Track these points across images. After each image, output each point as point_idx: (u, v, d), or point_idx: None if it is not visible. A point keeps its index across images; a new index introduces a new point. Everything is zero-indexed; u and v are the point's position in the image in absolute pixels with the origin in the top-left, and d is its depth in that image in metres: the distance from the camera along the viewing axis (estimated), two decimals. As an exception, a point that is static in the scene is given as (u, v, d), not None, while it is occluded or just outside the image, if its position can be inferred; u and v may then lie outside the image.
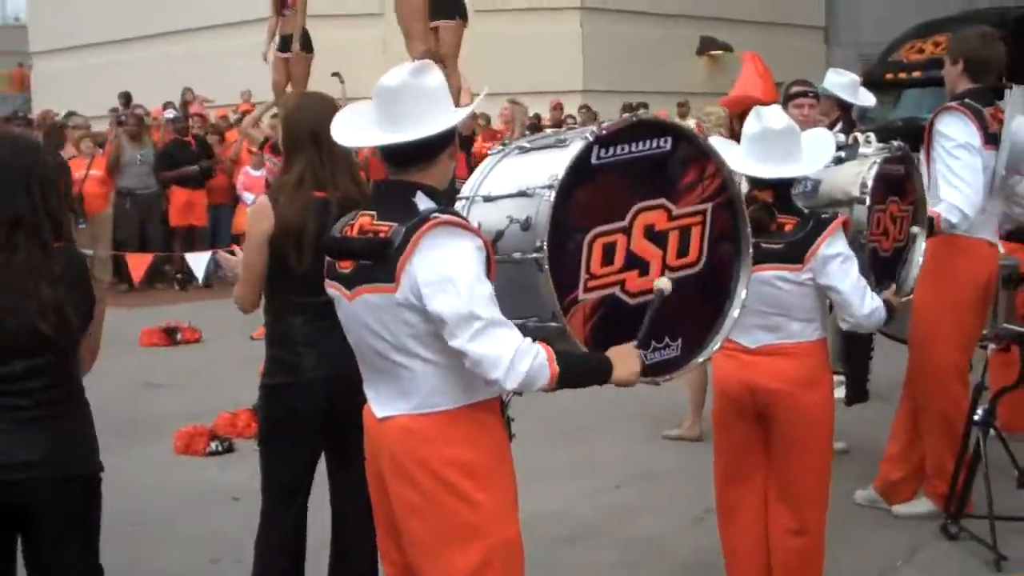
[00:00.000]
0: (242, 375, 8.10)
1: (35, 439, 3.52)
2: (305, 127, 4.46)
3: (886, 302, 4.58)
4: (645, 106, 18.32)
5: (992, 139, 5.71)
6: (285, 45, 12.15)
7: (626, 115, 3.50)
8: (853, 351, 7.31)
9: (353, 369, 3.56)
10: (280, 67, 12.34)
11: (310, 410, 4.46)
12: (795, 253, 4.38)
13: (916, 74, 16.69)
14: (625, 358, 3.36)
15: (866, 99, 7.53)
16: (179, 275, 15.80)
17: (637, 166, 3.46)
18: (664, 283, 3.45)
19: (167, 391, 9.89)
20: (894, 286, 4.98)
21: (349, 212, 3.68)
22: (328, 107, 4.47)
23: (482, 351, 3.16)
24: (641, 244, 3.46)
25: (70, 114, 18.16)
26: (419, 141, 3.30)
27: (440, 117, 3.32)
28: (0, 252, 3.51)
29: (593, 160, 3.38)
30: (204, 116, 18.52)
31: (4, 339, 3.48)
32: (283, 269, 4.41)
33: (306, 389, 4.44)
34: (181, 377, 10.37)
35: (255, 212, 4.52)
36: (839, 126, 7.27)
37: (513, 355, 3.14)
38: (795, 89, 7.08)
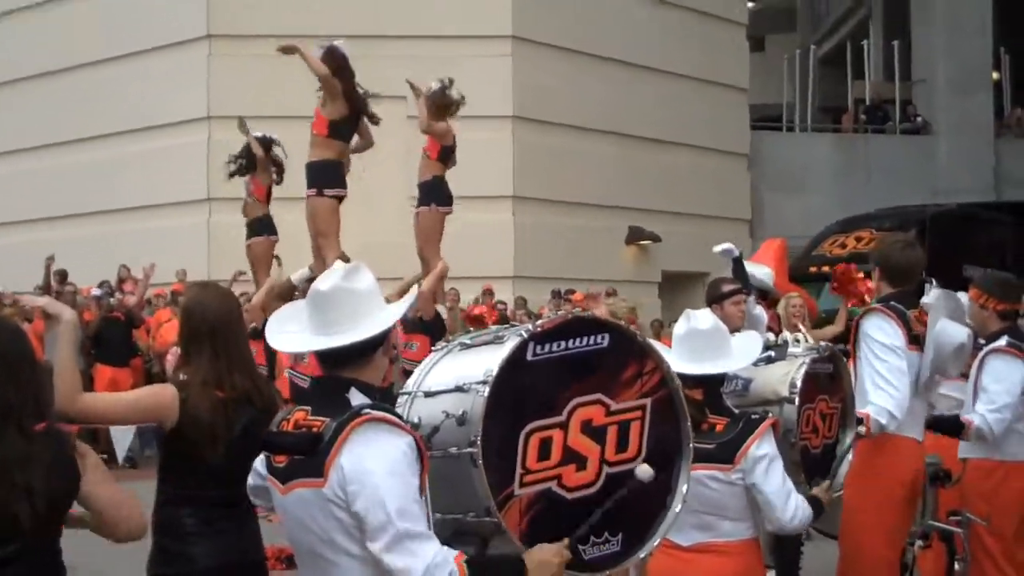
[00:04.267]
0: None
1: None
2: (204, 324, 4.46)
3: (815, 498, 4.63)
4: (572, 292, 18.58)
5: (915, 340, 5.82)
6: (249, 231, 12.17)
7: (563, 312, 3.58)
8: (784, 544, 7.30)
9: (241, 560, 3.53)
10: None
11: None
12: (726, 453, 4.43)
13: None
14: (542, 562, 3.34)
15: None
16: (104, 454, 15.50)
17: (574, 362, 3.50)
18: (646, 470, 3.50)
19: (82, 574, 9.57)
20: (827, 482, 5.03)
21: (243, 408, 3.68)
22: (227, 302, 4.57)
23: (395, 563, 3.16)
24: (578, 439, 3.48)
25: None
26: (352, 346, 3.35)
27: (372, 322, 3.37)
28: None
29: (529, 356, 3.43)
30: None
31: None
32: (180, 461, 4.39)
33: None
34: (101, 559, 10.06)
35: (162, 399, 4.41)
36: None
37: (423, 572, 3.14)
38: (729, 288, 7.14)
